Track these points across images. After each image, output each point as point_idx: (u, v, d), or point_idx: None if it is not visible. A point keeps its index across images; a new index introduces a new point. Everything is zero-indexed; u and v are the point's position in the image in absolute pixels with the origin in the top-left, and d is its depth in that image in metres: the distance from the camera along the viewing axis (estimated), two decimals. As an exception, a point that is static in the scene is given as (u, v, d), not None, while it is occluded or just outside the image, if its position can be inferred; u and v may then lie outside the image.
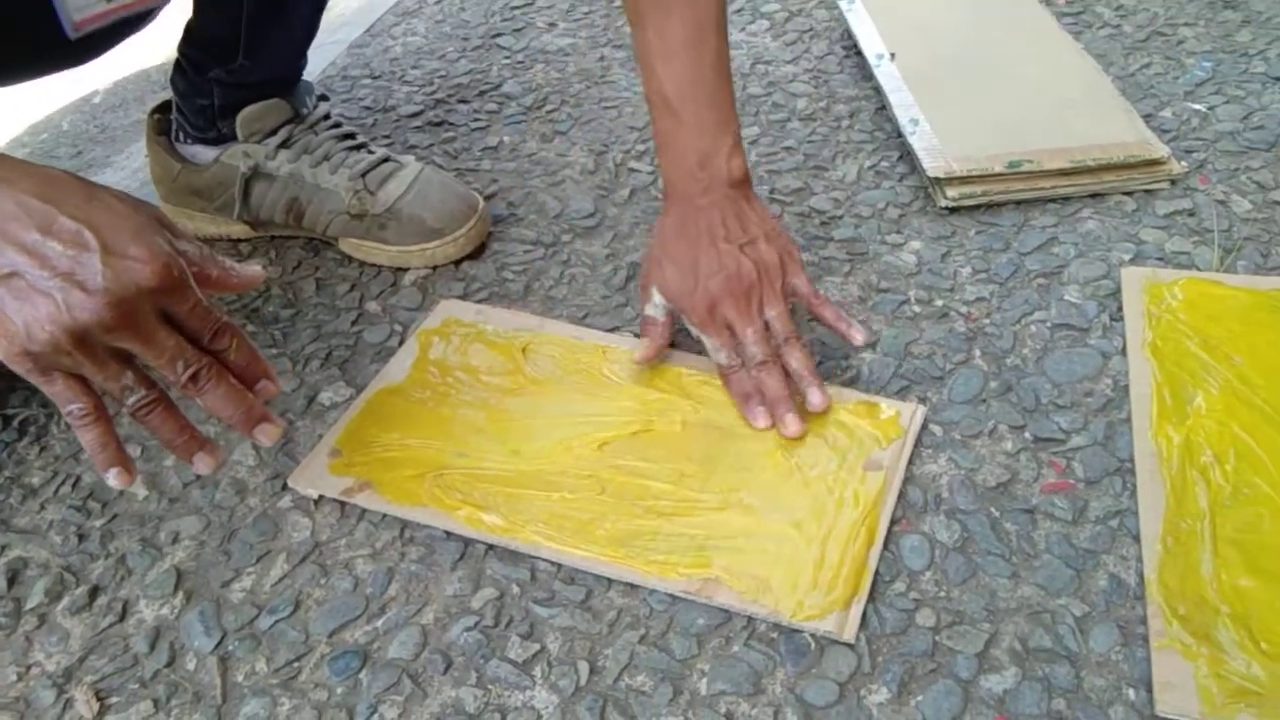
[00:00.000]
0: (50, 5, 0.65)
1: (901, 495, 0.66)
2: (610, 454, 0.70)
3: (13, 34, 0.66)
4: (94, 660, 0.61)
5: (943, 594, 0.61)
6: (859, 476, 0.67)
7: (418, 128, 1.07)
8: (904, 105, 0.97)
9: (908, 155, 0.95)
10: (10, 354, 0.51)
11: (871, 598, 0.60)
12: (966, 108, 0.95)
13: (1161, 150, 0.88)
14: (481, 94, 1.11)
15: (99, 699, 0.59)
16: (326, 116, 0.89)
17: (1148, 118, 0.97)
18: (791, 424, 0.69)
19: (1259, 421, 0.67)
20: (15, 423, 0.78)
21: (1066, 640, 0.57)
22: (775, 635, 0.59)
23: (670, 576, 0.62)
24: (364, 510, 0.68)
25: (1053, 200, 0.89)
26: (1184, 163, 0.91)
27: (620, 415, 0.73)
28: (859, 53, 1.09)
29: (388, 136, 1.05)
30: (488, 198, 0.94)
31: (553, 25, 1.25)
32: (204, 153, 0.87)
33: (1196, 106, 0.99)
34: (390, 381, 0.76)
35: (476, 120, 1.07)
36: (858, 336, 0.73)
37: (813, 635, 0.59)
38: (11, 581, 0.66)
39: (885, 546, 0.63)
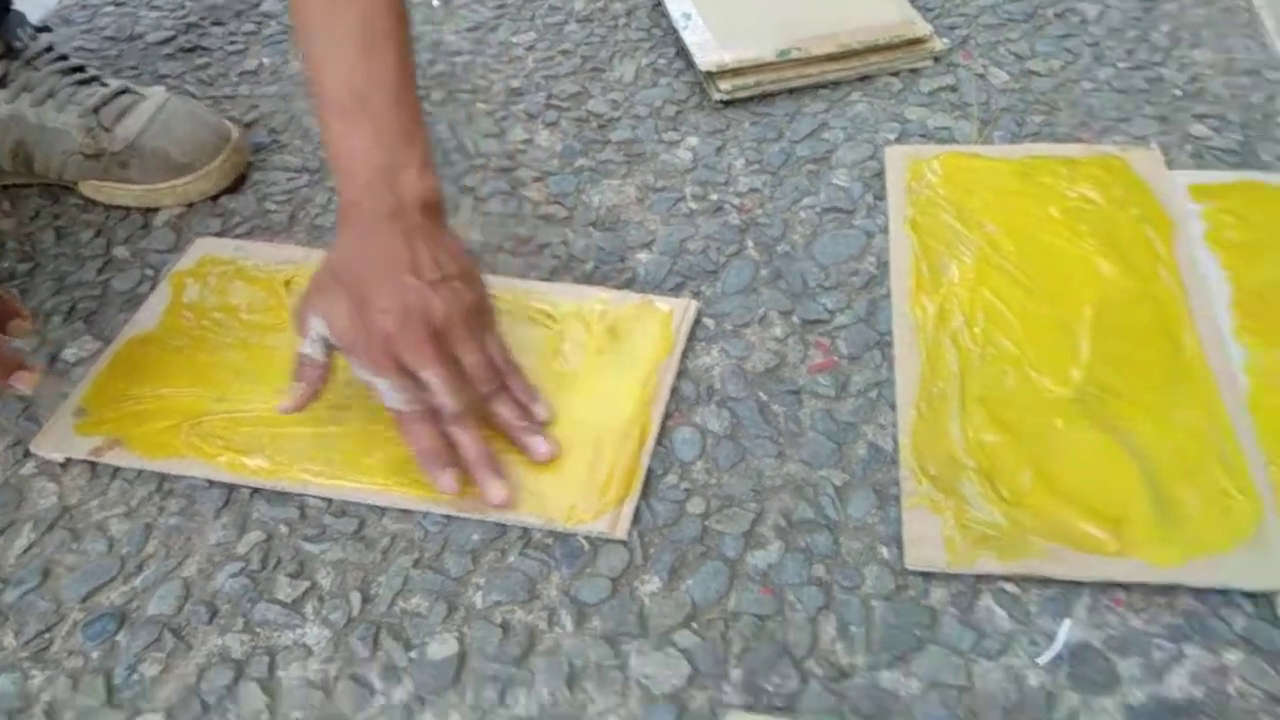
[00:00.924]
0: None
1: (675, 390, 0.66)
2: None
3: None
4: None
5: (713, 481, 0.62)
6: (630, 377, 0.67)
7: (168, 55, 0.99)
8: (676, 0, 0.95)
9: (684, 51, 0.94)
10: None
11: (645, 494, 0.61)
12: (737, 1, 0.94)
13: (924, 29, 0.90)
14: (238, 14, 1.04)
15: None
16: (49, 49, 0.81)
17: (913, -3, 0.98)
18: (495, 491, 0.59)
19: (1007, 284, 0.70)
20: None
21: (827, 510, 0.59)
22: (550, 542, 0.59)
23: (443, 497, 0.61)
24: (116, 469, 0.64)
25: (824, 86, 0.90)
26: (946, 40, 0.92)
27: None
28: (634, -51, 1.06)
29: (135, 68, 0.98)
30: (247, 125, 0.89)
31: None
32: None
33: (960, -18, 1.01)
34: (141, 329, 0.71)
35: (233, 43, 1.00)
36: (541, 411, 0.64)
37: (586, 538, 0.59)
38: None
39: (659, 442, 0.64)
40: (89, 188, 0.82)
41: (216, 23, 1.03)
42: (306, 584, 0.58)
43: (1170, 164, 0.79)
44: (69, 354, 0.71)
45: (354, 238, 0.61)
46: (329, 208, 0.82)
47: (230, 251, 0.77)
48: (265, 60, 0.98)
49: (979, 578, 0.56)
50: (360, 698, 0.53)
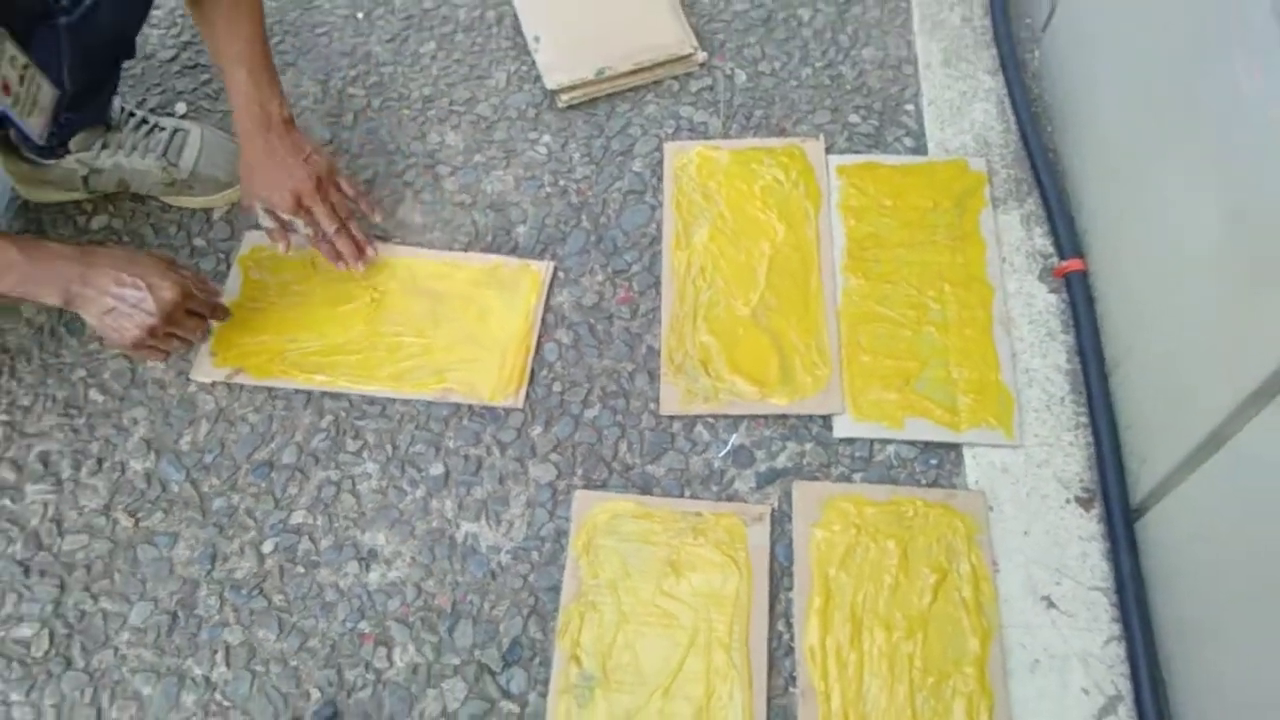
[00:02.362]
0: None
1: (542, 319, 1.21)
2: (378, 324, 1.21)
3: None
4: (119, 497, 1.12)
5: (564, 372, 1.18)
6: (518, 313, 1.21)
7: (178, 72, 1.41)
8: (529, 24, 1.40)
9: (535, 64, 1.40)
10: (122, 344, 1.04)
11: (531, 381, 1.17)
12: (569, 25, 1.39)
13: (689, 48, 1.38)
14: (220, 34, 1.44)
15: (132, 515, 1.11)
16: (122, 110, 1.25)
17: (691, 6, 1.44)
18: (363, 259, 1.20)
19: (725, 243, 1.25)
20: (-13, 368, 1.20)
21: (623, 384, 1.17)
22: (484, 412, 1.16)
23: (425, 391, 1.16)
24: (243, 386, 1.18)
25: (629, 90, 1.38)
26: (704, 52, 1.40)
27: (371, 300, 1.23)
28: (499, -40, 1.48)
29: (159, 84, 1.40)
30: (253, 137, 1.34)
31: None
32: (41, 161, 1.23)
33: (723, -10, 1.47)
34: (230, 298, 1.22)
35: (224, 63, 1.42)
36: (377, 215, 1.22)
37: (502, 408, 1.16)
38: (45, 464, 1.14)
39: (536, 351, 1.19)
40: (167, 198, 1.28)
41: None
42: (360, 442, 1.15)
43: (830, 148, 1.32)
44: (193, 318, 1.22)
45: (259, 146, 1.13)
46: (321, 199, 1.30)
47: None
48: (250, 77, 1.40)
49: (695, 416, 1.15)
50: (399, 495, 1.11)
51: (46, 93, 1.04)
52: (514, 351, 1.19)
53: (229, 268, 1.25)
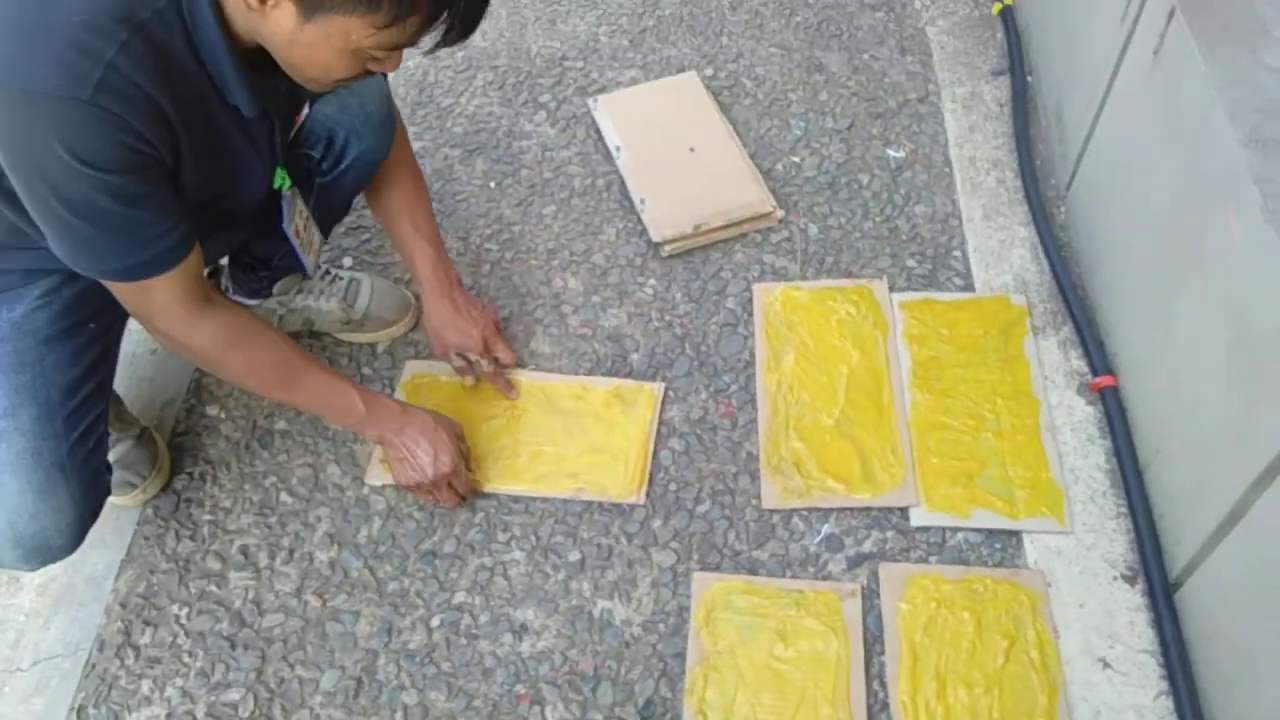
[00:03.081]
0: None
1: (659, 431, 1.44)
2: (519, 435, 1.44)
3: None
4: (308, 582, 1.33)
5: (677, 475, 1.40)
6: (637, 425, 1.44)
7: (344, 233, 1.70)
8: (635, 188, 1.69)
9: (641, 222, 1.68)
10: (397, 482, 1.32)
11: (651, 482, 1.39)
12: (669, 187, 1.68)
13: (770, 206, 1.65)
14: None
15: (320, 597, 1.32)
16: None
17: (768, 172, 1.73)
18: (509, 390, 1.48)
19: (809, 366, 1.48)
20: (195, 475, 1.44)
21: (729, 483, 1.38)
22: (612, 508, 1.38)
23: (561, 490, 1.39)
24: (410, 487, 1.41)
25: (722, 242, 1.65)
26: (782, 209, 1.68)
27: (511, 417, 1.47)
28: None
29: (328, 243, 1.68)
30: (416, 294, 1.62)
31: (401, 123, 1.86)
32: (247, 302, 1.50)
33: (794, 159, 1.76)
34: (397, 416, 1.47)
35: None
36: (510, 393, 1.48)
37: (627, 504, 1.38)
38: (245, 555, 1.36)
39: (654, 457, 1.42)
40: (340, 335, 1.55)
41: (365, 206, 1.73)
42: (509, 534, 1.36)
43: (892, 288, 1.57)
44: (366, 432, 1.46)
45: (444, 304, 1.42)
46: (466, 334, 1.57)
47: (425, 367, 1.52)
48: (404, 235, 1.69)
49: (791, 510, 1.36)
50: (544, 578, 1.32)
51: (317, 237, 1.34)
52: (635, 457, 1.41)
53: (393, 391, 1.50)
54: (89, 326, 1.18)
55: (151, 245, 1.02)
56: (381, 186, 1.39)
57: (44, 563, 1.18)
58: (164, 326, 1.11)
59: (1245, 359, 1.08)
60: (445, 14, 0.93)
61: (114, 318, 1.22)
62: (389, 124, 1.36)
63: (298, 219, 1.26)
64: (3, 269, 1.12)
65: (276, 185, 1.20)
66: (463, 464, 1.34)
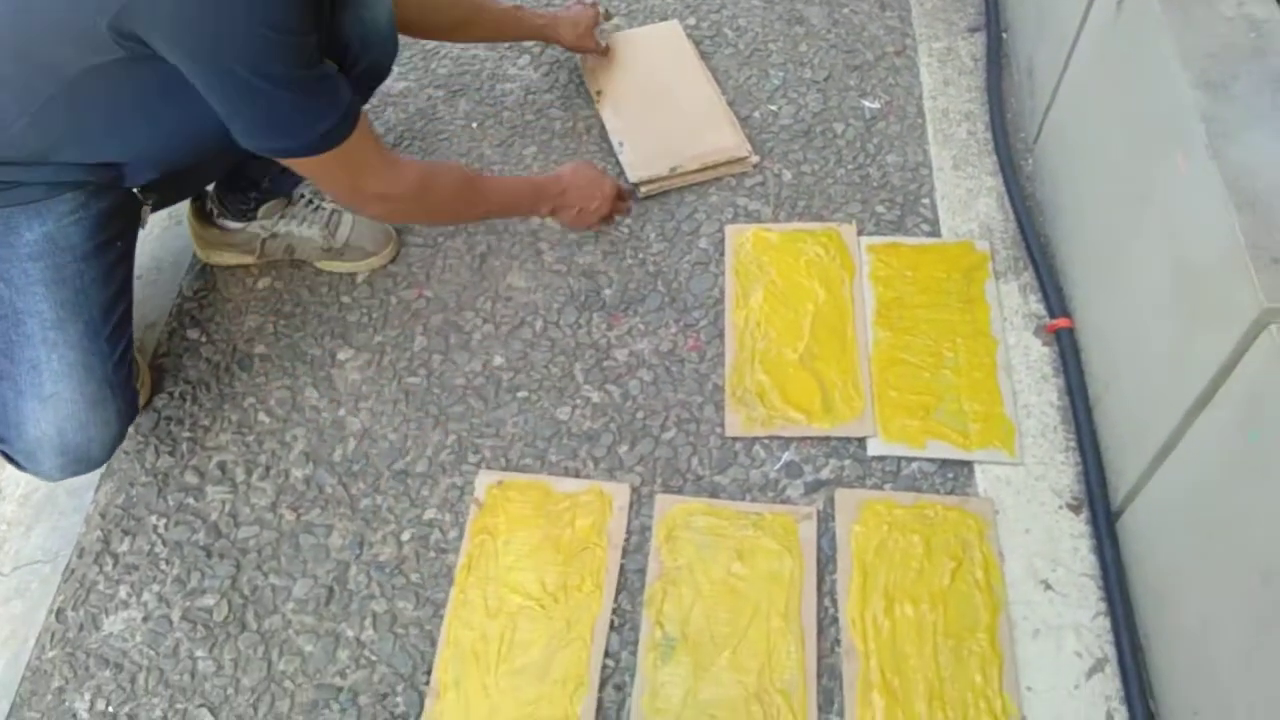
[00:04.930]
0: None
1: (627, 364, 1.48)
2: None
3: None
4: (284, 497, 1.37)
5: (647, 403, 1.45)
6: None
7: (327, 167, 1.73)
8: (614, 131, 1.73)
9: (619, 164, 1.71)
10: (587, 227, 1.59)
11: (619, 410, 1.44)
12: (647, 131, 1.72)
13: (746, 151, 1.69)
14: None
15: (294, 511, 1.36)
16: (299, 191, 1.56)
17: (745, 119, 1.77)
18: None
19: (776, 303, 1.53)
20: (175, 395, 1.48)
21: (694, 412, 1.43)
22: (580, 434, 1.42)
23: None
24: (383, 411, 1.45)
25: (698, 185, 1.69)
26: (758, 155, 1.71)
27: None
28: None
29: (311, 177, 1.71)
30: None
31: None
32: (232, 224, 1.53)
33: (772, 107, 1.79)
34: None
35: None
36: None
37: (595, 430, 1.42)
38: (222, 470, 1.40)
39: (624, 397, 1.46)
40: (320, 264, 1.58)
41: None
42: (479, 456, 1.40)
43: (861, 231, 1.61)
44: (341, 357, 1.50)
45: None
46: (436, 265, 1.60)
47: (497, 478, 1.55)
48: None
49: (754, 438, 1.40)
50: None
51: None
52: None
53: (370, 316, 1.54)
54: (116, 244, 1.23)
55: (340, 103, 1.11)
56: (458, 27, 1.63)
57: (75, 473, 1.25)
58: (375, 185, 1.20)
59: (1185, 290, 1.12)
60: None
61: (133, 240, 1.29)
62: (395, 37, 1.43)
63: None
64: (27, 181, 1.15)
65: None
66: (616, 183, 1.60)
